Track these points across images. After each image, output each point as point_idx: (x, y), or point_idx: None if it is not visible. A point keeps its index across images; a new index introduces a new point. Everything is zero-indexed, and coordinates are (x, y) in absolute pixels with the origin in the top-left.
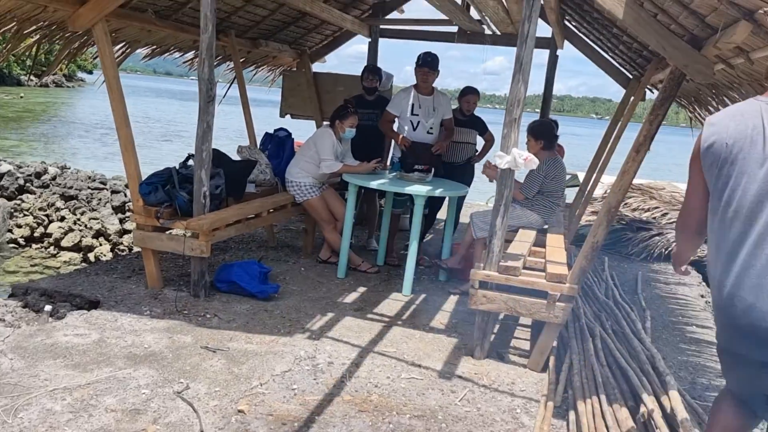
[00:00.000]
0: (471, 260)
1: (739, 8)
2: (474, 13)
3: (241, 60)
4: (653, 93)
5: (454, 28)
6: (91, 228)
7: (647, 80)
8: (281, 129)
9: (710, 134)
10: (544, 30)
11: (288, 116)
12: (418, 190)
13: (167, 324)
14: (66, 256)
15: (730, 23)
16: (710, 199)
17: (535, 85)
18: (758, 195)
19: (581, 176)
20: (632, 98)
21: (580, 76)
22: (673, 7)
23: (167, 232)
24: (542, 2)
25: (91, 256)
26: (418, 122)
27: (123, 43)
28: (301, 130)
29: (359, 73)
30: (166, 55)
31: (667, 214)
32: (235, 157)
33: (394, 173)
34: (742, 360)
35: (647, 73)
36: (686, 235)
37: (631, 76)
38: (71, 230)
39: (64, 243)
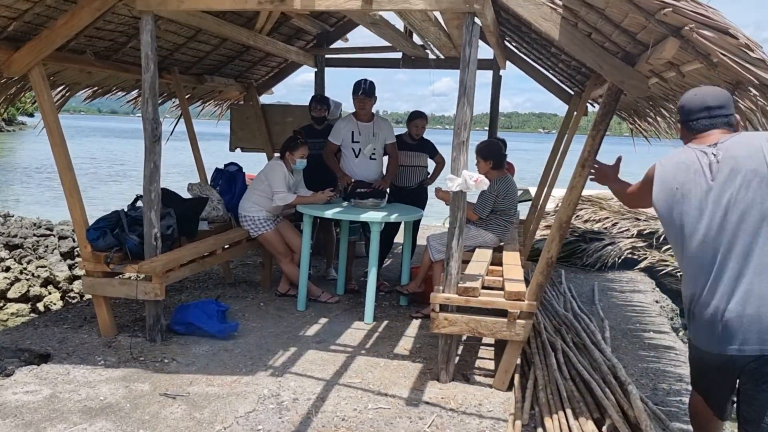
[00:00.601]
0: (431, 283)
1: (666, 26)
2: (417, 39)
3: (186, 96)
4: (595, 107)
5: (399, 54)
6: (38, 277)
7: (588, 96)
8: (232, 164)
9: (660, 181)
10: (486, 51)
11: (238, 150)
12: (374, 216)
13: (123, 373)
14: (13, 307)
15: (659, 40)
16: (672, 233)
17: (482, 104)
18: (711, 226)
19: (533, 191)
20: (575, 113)
21: (525, 92)
22: (606, 26)
23: (118, 277)
24: (481, 26)
25: (40, 305)
26: (359, 149)
27: (63, 86)
28: (253, 162)
29: (308, 103)
30: (108, 95)
31: (617, 223)
32: (186, 195)
33: (348, 201)
34: (722, 360)
35: (587, 89)
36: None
37: (572, 92)
38: (18, 280)
39: (10, 294)
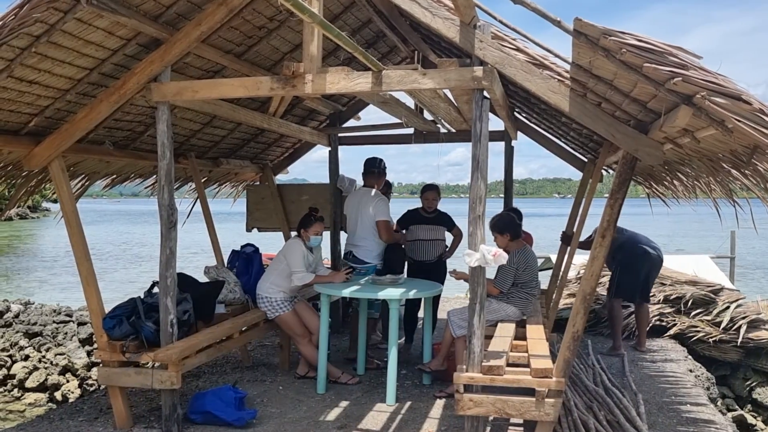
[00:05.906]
0: (453, 359)
1: (677, 94)
2: (428, 115)
3: (203, 180)
4: (610, 172)
5: (411, 130)
6: (57, 365)
7: (602, 163)
8: (248, 245)
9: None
10: (497, 123)
11: (255, 230)
12: (392, 294)
13: None
14: (31, 397)
15: (671, 108)
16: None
17: (497, 171)
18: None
19: (554, 258)
20: (590, 180)
21: (539, 158)
22: (615, 96)
23: (135, 366)
24: (491, 100)
25: (57, 394)
26: None
27: (82, 176)
28: (269, 242)
29: (323, 179)
30: (126, 182)
31: None
32: (203, 278)
33: (366, 278)
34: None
35: (601, 156)
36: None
37: (585, 159)
38: (36, 369)
39: (28, 384)
